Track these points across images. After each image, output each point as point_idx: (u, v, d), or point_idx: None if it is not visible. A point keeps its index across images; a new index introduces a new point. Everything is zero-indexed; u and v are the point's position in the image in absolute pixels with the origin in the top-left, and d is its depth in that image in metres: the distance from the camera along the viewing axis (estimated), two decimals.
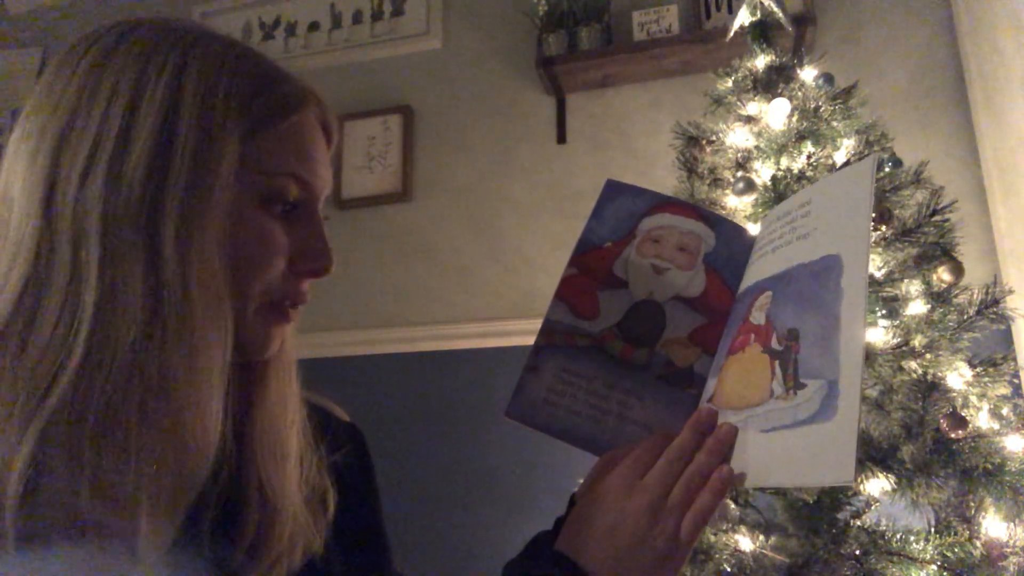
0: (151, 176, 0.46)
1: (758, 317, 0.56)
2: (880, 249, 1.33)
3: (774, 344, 0.54)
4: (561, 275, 0.61)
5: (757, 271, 0.60)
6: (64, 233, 0.45)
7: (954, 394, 1.24)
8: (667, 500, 0.51)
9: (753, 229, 1.36)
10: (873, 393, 1.30)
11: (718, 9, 2.24)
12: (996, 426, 1.24)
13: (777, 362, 0.53)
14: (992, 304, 1.29)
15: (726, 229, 0.63)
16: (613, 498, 0.53)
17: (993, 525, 1.16)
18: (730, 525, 1.27)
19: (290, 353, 0.62)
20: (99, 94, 0.47)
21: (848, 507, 1.21)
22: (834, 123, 1.43)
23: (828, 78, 1.50)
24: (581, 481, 0.61)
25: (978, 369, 1.28)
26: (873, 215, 1.30)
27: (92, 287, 0.44)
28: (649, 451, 0.54)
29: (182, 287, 0.45)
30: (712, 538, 1.25)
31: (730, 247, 0.62)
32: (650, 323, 0.60)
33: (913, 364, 1.26)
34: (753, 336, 0.56)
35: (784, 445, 0.49)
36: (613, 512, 0.52)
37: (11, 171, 0.48)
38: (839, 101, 1.44)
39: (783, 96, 1.46)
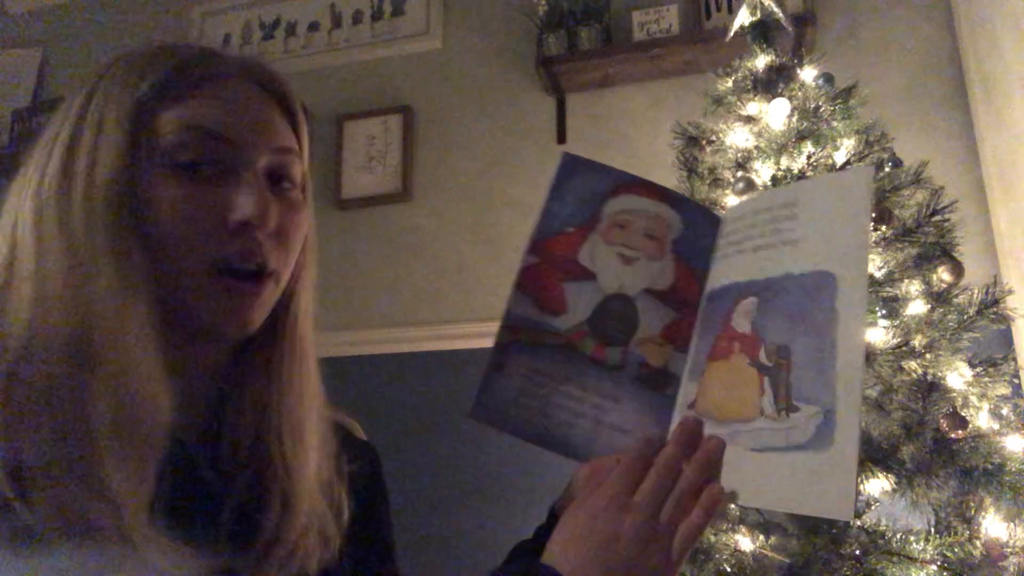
0: (64, 169, 0.53)
1: (742, 324, 0.54)
2: (880, 249, 1.33)
3: (763, 358, 0.52)
4: (520, 263, 0.57)
5: (734, 269, 0.57)
6: (19, 220, 0.53)
7: (954, 394, 1.24)
8: (658, 519, 0.51)
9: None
10: (873, 393, 1.30)
11: (718, 9, 2.24)
12: (996, 426, 1.24)
13: (767, 379, 0.51)
14: (992, 304, 1.29)
15: (691, 211, 0.59)
16: (604, 517, 0.52)
17: (993, 525, 1.16)
18: (729, 525, 1.27)
19: (306, 344, 0.63)
20: (51, 127, 0.56)
21: None
22: (834, 123, 1.43)
23: (828, 78, 1.50)
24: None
25: (978, 369, 1.28)
26: (873, 215, 1.30)
27: (30, 263, 0.51)
28: (636, 464, 0.52)
29: (90, 251, 0.50)
30: (712, 538, 1.25)
31: (696, 233, 0.59)
32: (622, 320, 0.57)
33: (913, 364, 1.26)
34: (738, 345, 0.54)
35: (777, 468, 0.48)
36: (605, 532, 0.51)
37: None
38: (839, 101, 1.44)
39: (783, 96, 1.46)
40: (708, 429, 0.53)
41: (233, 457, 0.57)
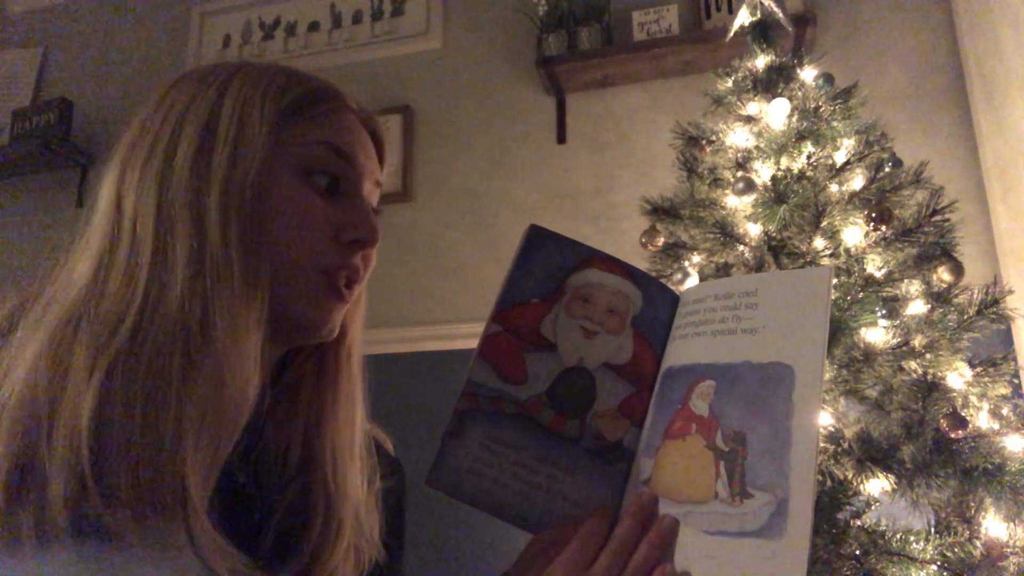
0: (197, 158, 0.55)
1: (700, 407, 0.55)
2: (880, 249, 1.33)
3: (719, 442, 0.53)
4: (483, 332, 0.57)
5: (693, 350, 0.58)
6: (128, 212, 0.54)
7: (954, 394, 1.24)
8: None
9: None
10: (873, 393, 1.30)
11: (718, 9, 2.24)
12: (996, 426, 1.24)
13: (722, 463, 0.52)
14: (992, 304, 1.29)
15: (652, 289, 0.60)
16: None
17: (993, 525, 1.16)
18: None
19: (356, 364, 0.66)
20: (159, 112, 0.58)
21: (848, 507, 1.21)
22: (834, 123, 1.43)
23: (828, 78, 1.50)
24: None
25: (978, 369, 1.28)
26: (873, 216, 1.30)
27: (147, 252, 0.52)
28: (591, 538, 0.53)
29: (222, 247, 0.53)
30: None
31: (655, 309, 0.60)
32: (581, 392, 0.57)
33: (913, 364, 1.26)
34: (695, 426, 0.54)
35: (729, 553, 0.49)
36: None
37: (101, 188, 0.59)
38: (839, 101, 1.44)
39: (783, 96, 1.46)
40: (662, 508, 0.53)
41: (280, 468, 0.59)
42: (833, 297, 1.27)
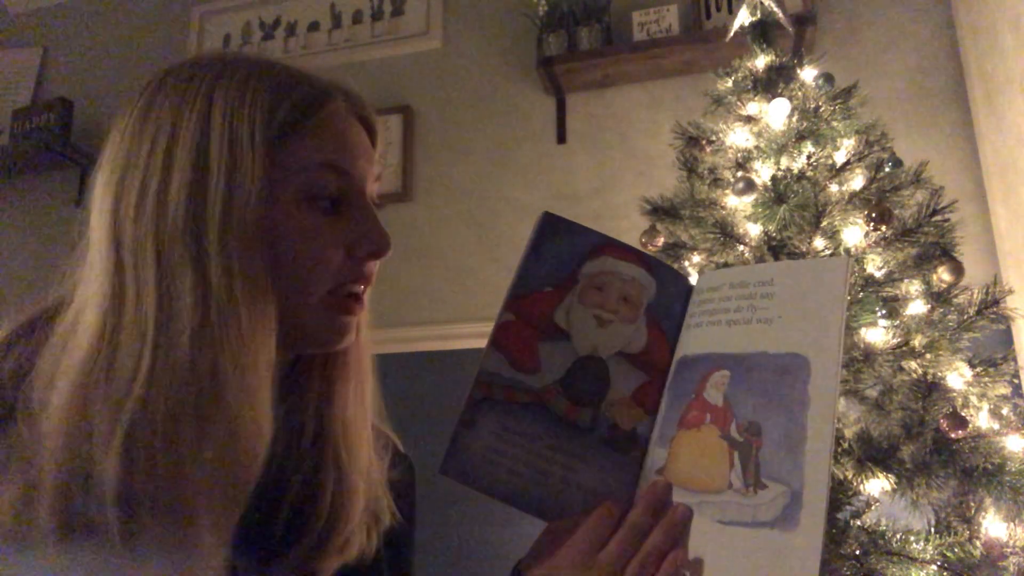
0: (192, 197, 0.51)
1: (714, 397, 0.55)
2: (880, 249, 1.33)
3: (733, 432, 0.53)
4: (496, 320, 0.57)
5: (707, 339, 0.58)
6: (128, 259, 0.51)
7: (954, 394, 1.24)
8: None
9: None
10: (873, 393, 1.30)
11: (718, 9, 2.24)
12: (996, 426, 1.24)
13: (737, 453, 0.52)
14: (992, 304, 1.29)
15: (665, 275, 0.60)
16: (568, 574, 0.52)
17: (993, 525, 1.16)
18: None
19: (364, 352, 0.66)
20: (145, 136, 0.53)
21: (848, 507, 1.21)
22: (834, 123, 1.43)
23: (828, 78, 1.50)
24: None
25: (978, 369, 1.28)
26: (873, 215, 1.30)
27: (152, 303, 0.50)
28: (602, 523, 0.53)
29: (227, 292, 0.50)
30: None
31: (668, 296, 0.60)
32: (595, 381, 0.57)
33: (913, 364, 1.26)
34: (709, 416, 0.54)
35: (743, 543, 0.49)
36: None
37: (91, 214, 0.55)
38: (839, 101, 1.44)
39: (783, 96, 1.46)
40: (676, 496, 0.53)
41: (295, 445, 0.60)
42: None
